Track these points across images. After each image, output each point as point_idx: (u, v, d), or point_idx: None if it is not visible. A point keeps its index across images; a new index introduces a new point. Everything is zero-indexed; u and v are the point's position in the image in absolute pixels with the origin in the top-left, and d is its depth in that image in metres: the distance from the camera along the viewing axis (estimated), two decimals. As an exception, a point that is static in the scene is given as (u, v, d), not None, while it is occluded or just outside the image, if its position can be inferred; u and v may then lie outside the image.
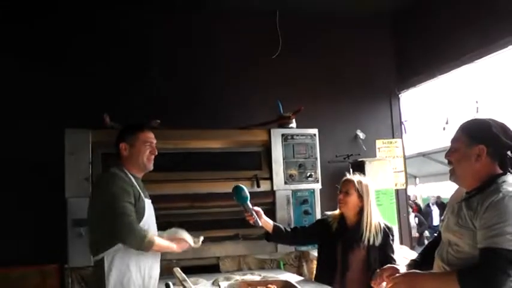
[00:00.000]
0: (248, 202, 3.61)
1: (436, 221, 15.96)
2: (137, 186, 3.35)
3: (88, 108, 4.71)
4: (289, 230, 3.96)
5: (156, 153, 3.49)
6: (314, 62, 5.82)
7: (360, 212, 3.76)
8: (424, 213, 17.20)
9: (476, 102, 12.33)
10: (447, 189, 21.43)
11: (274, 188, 4.65)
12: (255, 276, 3.89)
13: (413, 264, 2.88)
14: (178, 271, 2.38)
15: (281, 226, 3.91)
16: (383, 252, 3.68)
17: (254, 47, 5.58)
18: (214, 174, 4.54)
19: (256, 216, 3.64)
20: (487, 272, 2.25)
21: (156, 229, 3.46)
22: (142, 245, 3.16)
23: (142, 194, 3.35)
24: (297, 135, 4.78)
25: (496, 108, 12.47)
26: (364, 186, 3.80)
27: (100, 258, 3.19)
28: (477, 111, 12.42)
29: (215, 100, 5.29)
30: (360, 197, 3.76)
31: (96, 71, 5.06)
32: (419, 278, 2.53)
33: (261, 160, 4.74)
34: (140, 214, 3.28)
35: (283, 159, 4.70)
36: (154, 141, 3.50)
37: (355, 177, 3.86)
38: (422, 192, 21.40)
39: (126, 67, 5.15)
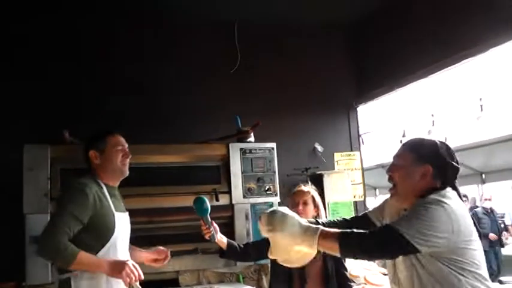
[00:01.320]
0: (208, 215, 3.59)
1: None
2: (108, 199, 3.17)
3: (46, 123, 4.68)
4: (242, 246, 3.94)
5: (130, 156, 3.34)
6: (272, 75, 5.87)
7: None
8: None
9: (432, 115, 12.63)
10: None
11: (233, 202, 4.68)
12: (215, 291, 3.91)
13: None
14: (137, 286, 2.38)
15: (235, 243, 3.90)
16: (336, 261, 3.72)
17: (212, 61, 5.63)
18: (173, 189, 4.55)
19: (213, 231, 3.63)
20: (367, 236, 2.33)
21: (127, 245, 3.31)
22: (59, 258, 2.94)
23: (113, 207, 3.16)
24: (255, 149, 4.83)
25: (451, 120, 12.80)
26: (317, 196, 3.90)
27: (65, 278, 3.03)
28: (433, 124, 12.73)
29: (174, 114, 5.30)
30: (316, 206, 3.84)
31: (54, 85, 5.03)
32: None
33: (219, 174, 4.77)
34: (107, 229, 3.09)
35: (242, 173, 4.74)
36: (126, 144, 3.36)
37: (309, 187, 3.95)
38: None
39: (84, 82, 5.14)
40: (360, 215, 3.11)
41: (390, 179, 2.61)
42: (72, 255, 2.88)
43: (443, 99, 12.08)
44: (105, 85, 5.20)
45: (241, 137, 4.95)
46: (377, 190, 20.39)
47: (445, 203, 2.33)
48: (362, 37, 6.32)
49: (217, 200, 4.58)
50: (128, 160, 3.34)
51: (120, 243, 3.18)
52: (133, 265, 3.00)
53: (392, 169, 2.60)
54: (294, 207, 3.87)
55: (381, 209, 2.86)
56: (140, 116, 5.19)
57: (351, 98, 6.38)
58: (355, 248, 2.34)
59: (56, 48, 5.16)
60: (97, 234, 3.07)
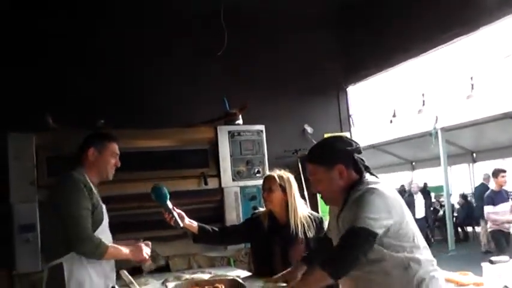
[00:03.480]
0: (168, 202, 3.52)
1: (420, 212, 14.72)
2: (95, 192, 3.33)
3: (30, 110, 4.59)
4: (216, 229, 3.87)
5: (119, 165, 3.52)
6: (260, 57, 5.81)
7: (288, 207, 3.78)
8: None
9: (423, 95, 12.60)
10: (399, 179, 21.85)
11: (222, 185, 4.67)
12: (205, 275, 3.88)
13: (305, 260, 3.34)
14: (124, 273, 2.35)
15: (207, 226, 3.81)
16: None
17: (200, 43, 5.57)
18: (161, 174, 4.50)
19: (176, 217, 3.53)
20: (343, 250, 2.55)
21: (110, 235, 3.43)
22: (95, 253, 3.16)
23: (100, 200, 3.36)
24: (244, 131, 4.82)
25: (442, 100, 12.76)
26: (285, 180, 3.82)
27: (56, 264, 3.14)
28: (423, 104, 12.71)
29: (160, 98, 5.23)
30: (284, 191, 3.79)
31: (37, 71, 4.95)
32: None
33: (208, 158, 4.74)
34: (99, 221, 3.29)
35: (231, 156, 4.72)
36: (119, 153, 3.53)
37: (276, 172, 3.88)
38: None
39: (67, 67, 5.06)
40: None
41: (318, 193, 2.88)
42: (104, 250, 3.18)
43: (434, 79, 12.01)
44: (90, 71, 5.13)
45: (230, 120, 4.91)
46: (368, 170, 20.40)
47: (373, 188, 2.59)
48: (351, 18, 6.25)
49: (206, 183, 4.56)
50: (114, 168, 3.52)
51: (106, 229, 3.40)
52: (145, 244, 3.46)
53: (315, 186, 2.81)
54: (262, 194, 3.92)
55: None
56: (126, 100, 5.13)
57: (341, 79, 6.37)
58: (343, 266, 2.53)
59: (38, 34, 5.05)
60: (92, 221, 3.24)
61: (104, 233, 3.31)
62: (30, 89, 4.87)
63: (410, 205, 13.91)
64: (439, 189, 17.79)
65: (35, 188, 4.12)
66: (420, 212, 14.68)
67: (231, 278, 2.50)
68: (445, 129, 14.49)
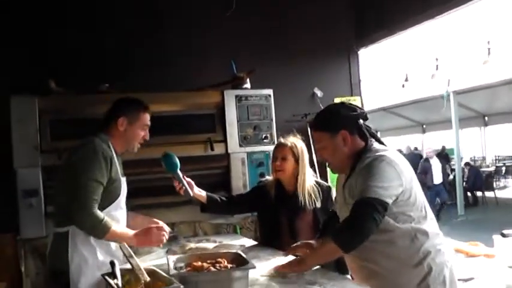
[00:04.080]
0: (178, 170, 3.43)
1: (437, 178, 14.03)
2: (117, 164, 3.16)
3: (32, 74, 4.49)
4: (224, 199, 3.82)
5: (148, 138, 3.35)
6: (269, 19, 5.67)
7: (297, 176, 3.70)
8: (421, 171, 14.27)
9: (436, 59, 12.42)
10: (410, 142, 21.77)
11: (229, 151, 4.58)
12: (210, 243, 3.83)
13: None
14: (124, 246, 2.29)
15: (215, 196, 3.76)
16: (326, 213, 3.58)
17: (206, 5, 5.39)
18: (167, 139, 4.40)
19: (187, 186, 3.46)
20: (354, 222, 2.50)
21: (125, 210, 3.29)
22: (95, 232, 2.96)
23: (120, 172, 3.19)
24: (251, 96, 4.70)
25: (456, 64, 12.57)
26: (299, 150, 3.73)
27: (61, 232, 3.01)
28: (437, 68, 12.53)
29: (166, 61, 5.09)
30: (297, 161, 3.70)
31: (39, 33, 4.83)
32: (308, 261, 2.75)
33: (214, 122, 4.64)
34: (114, 196, 3.12)
35: (238, 121, 4.62)
36: (150, 124, 3.34)
37: (290, 141, 3.78)
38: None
39: (70, 28, 4.93)
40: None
41: (324, 160, 2.87)
42: (106, 229, 2.95)
43: (449, 43, 11.82)
44: (93, 33, 5.00)
45: (237, 84, 4.79)
46: (379, 133, 20.39)
47: (382, 155, 2.59)
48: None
49: (212, 149, 4.48)
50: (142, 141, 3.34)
51: (122, 204, 3.23)
52: (157, 228, 3.10)
53: (320, 153, 2.81)
54: (273, 162, 3.81)
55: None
56: (130, 63, 5.00)
57: (352, 42, 6.21)
58: (355, 238, 2.49)
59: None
60: (106, 195, 3.07)
61: (117, 209, 3.16)
62: (32, 53, 4.75)
63: (427, 171, 13.83)
64: (449, 152, 17.71)
65: (38, 152, 4.05)
66: (438, 177, 14.12)
67: (234, 252, 2.44)
68: (457, 92, 14.33)
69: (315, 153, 4.57)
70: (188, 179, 3.52)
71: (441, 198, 13.83)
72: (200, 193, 3.64)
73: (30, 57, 4.73)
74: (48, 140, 4.13)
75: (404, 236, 2.59)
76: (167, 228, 3.15)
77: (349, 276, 3.08)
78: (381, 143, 2.79)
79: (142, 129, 3.27)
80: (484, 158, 21.82)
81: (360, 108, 2.79)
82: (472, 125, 20.48)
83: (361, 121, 2.75)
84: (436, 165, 14.23)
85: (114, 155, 3.15)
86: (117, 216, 3.14)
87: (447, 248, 2.75)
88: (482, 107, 18.18)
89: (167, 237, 3.14)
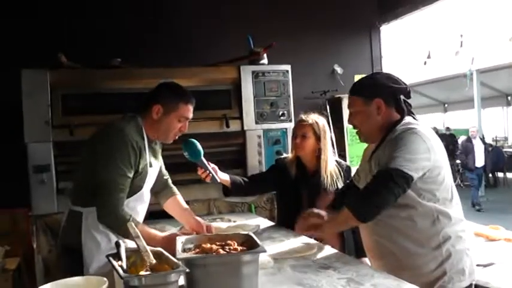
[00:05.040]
0: (202, 157, 3.25)
1: (480, 161, 13.01)
2: (147, 151, 2.93)
3: (42, 49, 4.38)
4: (246, 180, 3.67)
5: (186, 131, 3.04)
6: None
7: (319, 155, 3.57)
8: (462, 151, 13.53)
9: (461, 36, 12.16)
10: (431, 121, 21.54)
11: (245, 128, 4.48)
12: (224, 223, 3.76)
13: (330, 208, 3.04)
14: (131, 226, 2.20)
15: (238, 178, 3.62)
16: None
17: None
18: (181, 115, 4.33)
19: (213, 173, 3.31)
20: (372, 192, 2.44)
21: (147, 200, 3.10)
22: (116, 230, 2.77)
23: (148, 162, 2.95)
24: (269, 71, 4.58)
25: (480, 42, 12.30)
26: (321, 127, 3.60)
27: (76, 210, 2.86)
28: (461, 45, 12.28)
29: (181, 36, 4.99)
30: (318, 139, 3.57)
31: (50, 6, 4.73)
32: (325, 228, 2.74)
33: (230, 99, 4.54)
34: (138, 187, 2.93)
35: (254, 97, 4.51)
36: (191, 117, 3.03)
37: (311, 118, 3.63)
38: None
39: (82, 2, 4.85)
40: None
41: (354, 127, 2.75)
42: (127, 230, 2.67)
43: (474, 19, 11.52)
44: (105, 7, 4.89)
45: (254, 59, 4.66)
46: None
47: (414, 128, 2.50)
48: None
49: (227, 126, 4.39)
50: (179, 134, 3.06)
51: (145, 197, 3.05)
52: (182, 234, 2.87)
53: (351, 118, 2.73)
54: (293, 140, 3.68)
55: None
56: (145, 38, 4.91)
57: (374, 17, 6.08)
58: (372, 208, 2.43)
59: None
60: (130, 186, 2.86)
61: (139, 202, 2.98)
62: (42, 27, 4.66)
63: (469, 152, 13.03)
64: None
65: (50, 127, 3.97)
66: (480, 160, 13.11)
67: (245, 233, 2.34)
68: (480, 71, 14.10)
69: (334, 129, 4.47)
70: (212, 165, 3.36)
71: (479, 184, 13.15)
72: (224, 177, 3.51)
73: (41, 31, 4.64)
74: (60, 114, 4.06)
75: (426, 216, 2.49)
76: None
77: (366, 260, 2.99)
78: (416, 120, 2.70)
79: (179, 121, 2.96)
80: (506, 138, 21.55)
81: (404, 83, 2.69)
82: (494, 105, 20.23)
83: (402, 96, 2.65)
84: (478, 146, 13.27)
85: (146, 143, 2.94)
86: (137, 209, 2.98)
87: (469, 236, 2.65)
88: (505, 86, 17.94)
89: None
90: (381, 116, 2.61)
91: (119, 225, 2.72)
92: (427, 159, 2.43)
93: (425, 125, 2.62)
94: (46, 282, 2.02)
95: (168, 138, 3.01)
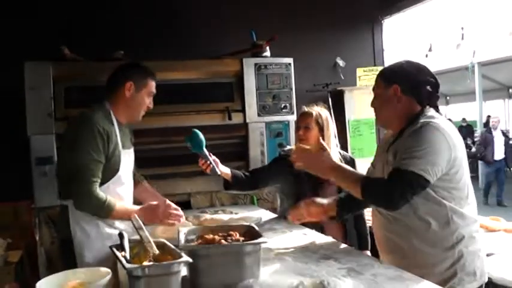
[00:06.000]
0: (204, 148, 3.28)
1: (499, 153, 12.17)
2: (117, 135, 2.96)
3: (45, 40, 4.40)
4: (247, 174, 3.68)
5: (152, 107, 3.14)
6: (291, -14, 5.51)
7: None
8: (481, 143, 12.83)
9: (462, 28, 12.15)
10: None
11: (247, 121, 4.50)
12: (226, 215, 3.76)
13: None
14: (135, 218, 2.22)
15: (239, 172, 3.61)
16: None
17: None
18: (184, 107, 4.36)
19: (214, 164, 3.33)
20: (387, 188, 2.37)
21: (131, 183, 3.15)
22: (97, 214, 2.84)
23: (120, 144, 2.97)
24: (271, 64, 4.59)
25: (481, 35, 12.29)
26: (324, 118, 3.60)
27: (64, 204, 2.90)
28: (462, 38, 12.27)
29: (184, 29, 4.98)
30: (321, 130, 3.57)
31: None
32: (334, 170, 2.64)
33: (232, 91, 4.55)
34: (114, 171, 2.94)
35: (256, 90, 4.52)
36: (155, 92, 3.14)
37: (314, 109, 3.63)
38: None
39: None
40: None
41: (374, 109, 2.72)
42: (110, 209, 2.82)
43: (475, 12, 11.51)
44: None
45: (256, 52, 4.68)
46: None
47: (434, 122, 2.41)
48: None
49: (230, 118, 4.40)
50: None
51: (124, 178, 3.05)
52: (167, 205, 2.91)
53: (373, 100, 2.71)
54: (296, 131, 3.69)
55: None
56: (148, 31, 4.89)
57: (376, 10, 6.06)
58: (377, 202, 2.48)
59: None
60: (104, 170, 2.89)
61: (118, 184, 2.99)
62: (45, 20, 4.65)
63: (489, 143, 12.30)
64: (472, 124, 17.50)
65: (52, 120, 3.98)
66: (499, 152, 12.28)
67: (247, 224, 2.36)
68: (481, 64, 14.08)
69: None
70: (214, 157, 3.38)
71: (499, 179, 12.40)
72: (225, 170, 3.50)
73: (44, 24, 4.62)
74: (63, 107, 4.06)
75: (440, 215, 2.43)
76: (177, 209, 2.96)
77: (367, 252, 2.99)
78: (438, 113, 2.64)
79: (148, 97, 3.07)
80: (507, 131, 21.54)
81: (433, 76, 2.62)
82: (495, 97, 20.22)
83: (428, 88, 2.57)
84: (499, 138, 12.42)
85: (116, 127, 2.98)
86: (118, 192, 2.99)
87: (481, 236, 2.59)
88: (506, 79, 17.92)
89: (182, 215, 2.96)
90: (401, 104, 2.56)
91: (97, 209, 2.81)
92: (448, 159, 2.36)
93: (445, 119, 2.55)
94: (48, 275, 2.05)
95: (139, 116, 3.10)
